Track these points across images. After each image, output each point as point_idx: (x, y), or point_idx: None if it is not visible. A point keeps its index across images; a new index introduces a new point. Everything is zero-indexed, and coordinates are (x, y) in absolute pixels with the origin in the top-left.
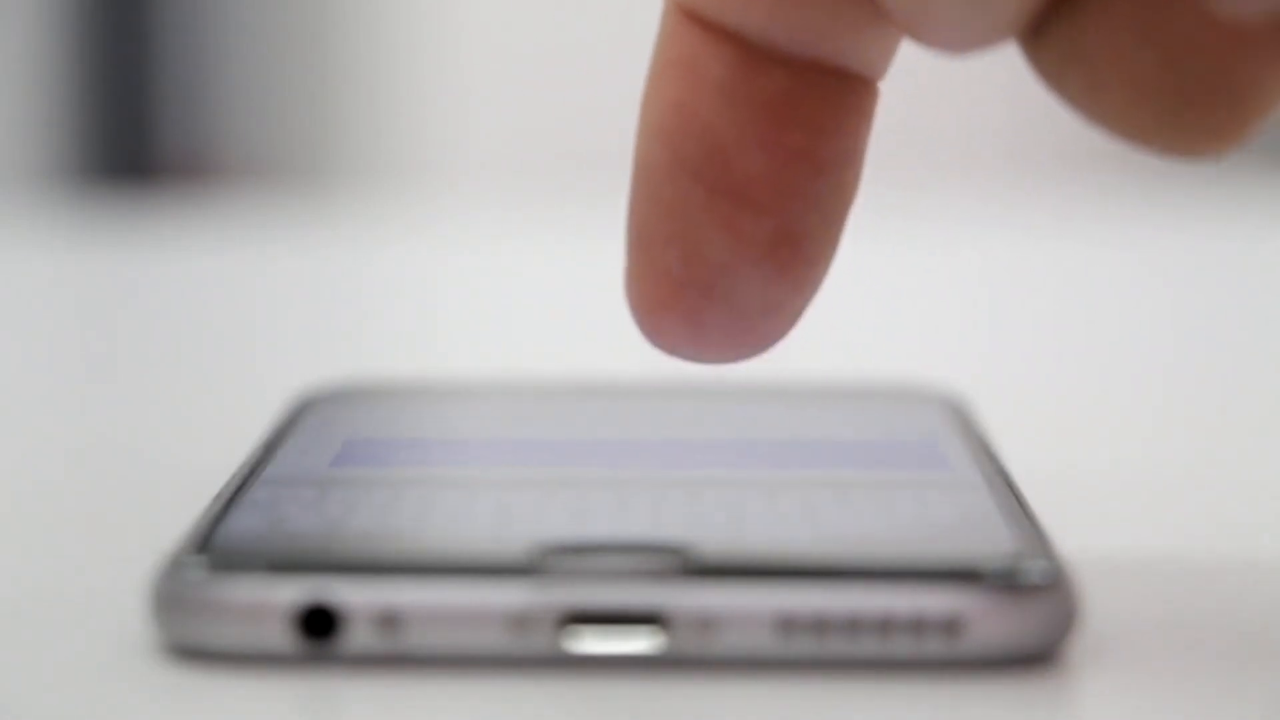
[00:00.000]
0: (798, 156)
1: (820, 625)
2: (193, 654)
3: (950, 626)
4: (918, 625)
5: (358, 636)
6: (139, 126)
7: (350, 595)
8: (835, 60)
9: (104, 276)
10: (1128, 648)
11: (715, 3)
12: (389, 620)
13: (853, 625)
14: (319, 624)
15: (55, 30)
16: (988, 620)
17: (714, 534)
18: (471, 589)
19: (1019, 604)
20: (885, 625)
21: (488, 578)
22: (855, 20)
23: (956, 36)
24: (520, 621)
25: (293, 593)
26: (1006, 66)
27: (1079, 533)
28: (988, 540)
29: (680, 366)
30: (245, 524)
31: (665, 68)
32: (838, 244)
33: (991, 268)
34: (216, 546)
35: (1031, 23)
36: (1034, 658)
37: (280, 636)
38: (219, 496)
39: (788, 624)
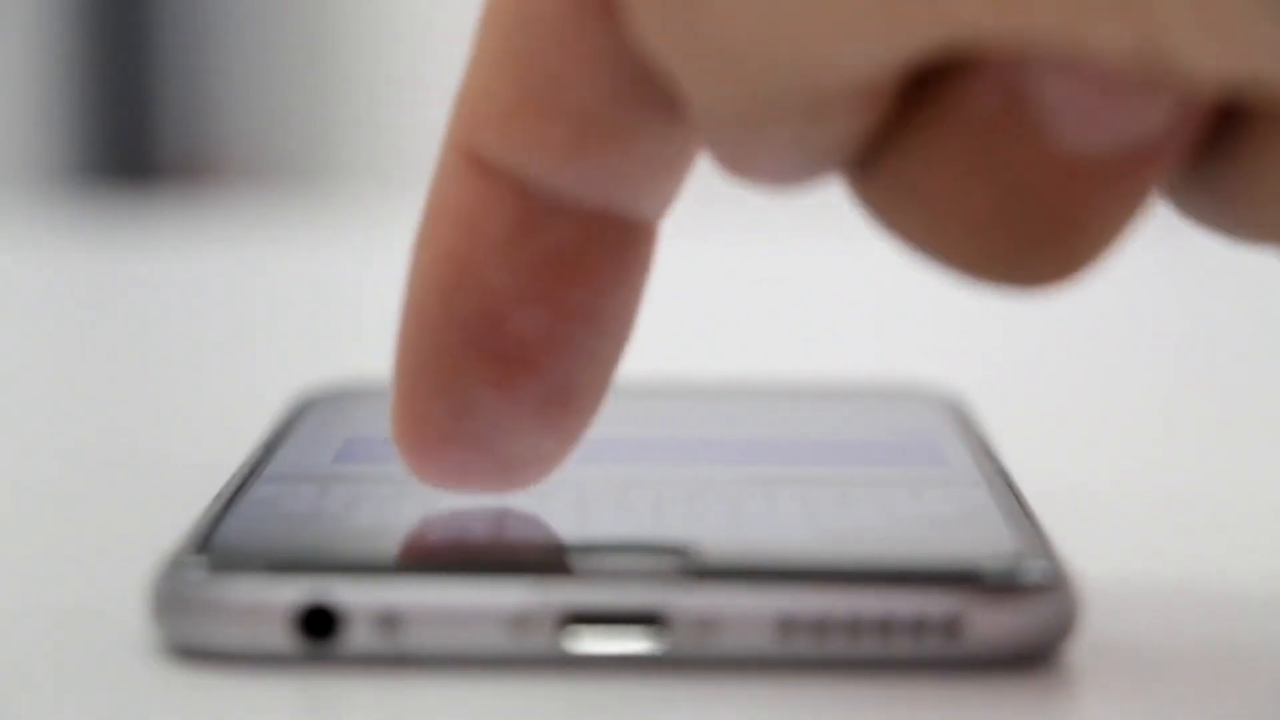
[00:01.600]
0: (577, 315)
1: (820, 625)
2: (193, 654)
3: (950, 626)
4: (918, 625)
5: (358, 636)
6: (139, 126)
7: (350, 595)
8: (621, 209)
9: (104, 276)
10: (1127, 648)
11: (503, 147)
12: (389, 620)
13: (853, 625)
14: (319, 624)
15: (55, 30)
16: (988, 620)
17: (714, 534)
18: (471, 589)
19: (1019, 604)
20: (885, 625)
21: (488, 578)
22: (648, 166)
23: (775, 172)
24: (520, 621)
25: (293, 593)
26: None
27: (1079, 533)
28: (988, 540)
29: (680, 367)
30: (245, 524)
31: (442, 216)
32: (606, 394)
33: None
34: (216, 546)
35: (860, 154)
36: (1034, 658)
37: (280, 636)
38: (219, 496)
39: (788, 624)
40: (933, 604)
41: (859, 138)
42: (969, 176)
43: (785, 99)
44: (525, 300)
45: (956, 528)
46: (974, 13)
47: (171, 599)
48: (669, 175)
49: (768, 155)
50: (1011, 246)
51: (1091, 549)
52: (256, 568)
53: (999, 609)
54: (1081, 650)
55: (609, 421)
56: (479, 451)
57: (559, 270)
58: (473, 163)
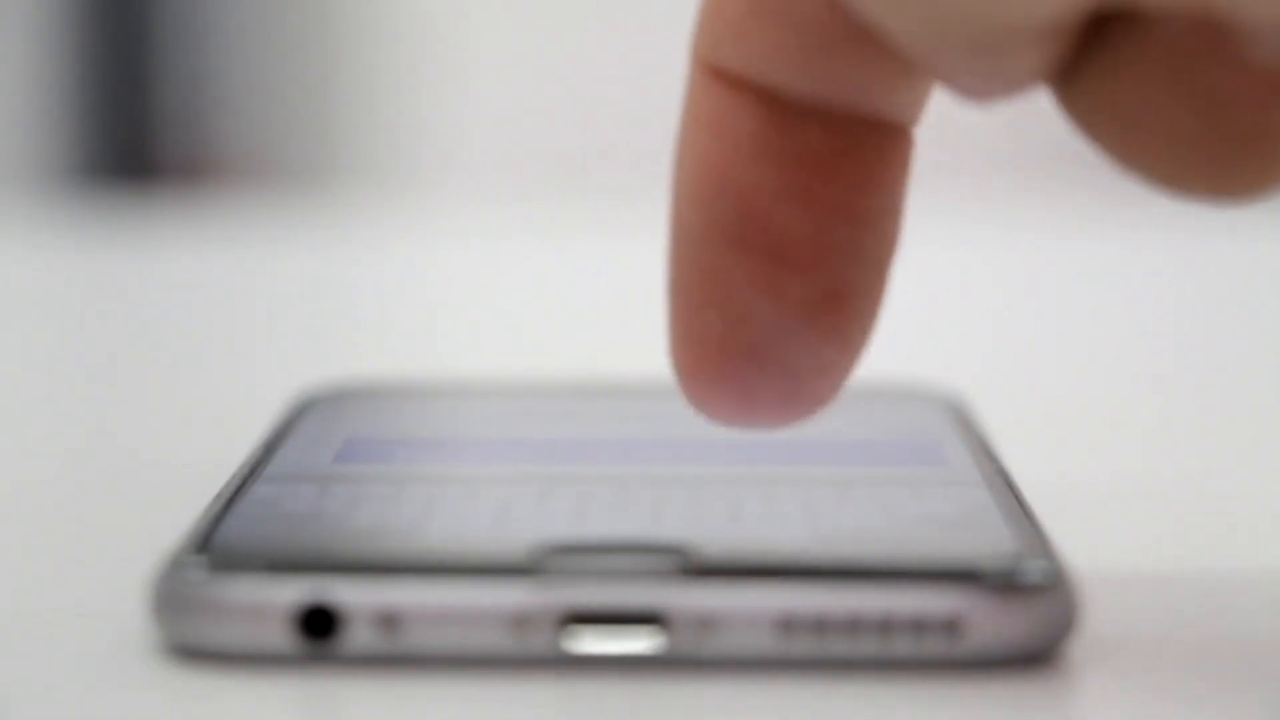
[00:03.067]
0: (838, 213)
1: (820, 625)
2: (193, 654)
3: (950, 626)
4: (918, 625)
5: (358, 636)
6: (139, 126)
7: (350, 595)
8: (869, 111)
9: (104, 276)
10: (1127, 648)
11: (742, 57)
12: (389, 620)
13: (853, 625)
14: (319, 624)
15: (55, 30)
16: (988, 620)
17: (714, 534)
18: (471, 589)
19: (1019, 604)
20: (885, 625)
21: (488, 578)
22: (886, 70)
23: (981, 86)
24: (520, 621)
25: (293, 593)
26: None
27: (1079, 533)
28: (988, 540)
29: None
30: (245, 524)
31: (694, 127)
32: (884, 298)
33: (992, 268)
34: (216, 546)
35: (1060, 70)
36: (1034, 658)
37: (280, 636)
38: (219, 496)
39: (788, 624)
40: (933, 604)
41: (1054, 63)
42: (1168, 92)
43: (969, 37)
44: (784, 200)
45: (956, 528)
46: None
47: (171, 599)
48: (909, 80)
49: (967, 78)
50: (1211, 159)
51: (1091, 549)
52: (256, 568)
53: (999, 609)
54: (1081, 650)
55: (608, 422)
56: (759, 365)
57: (814, 169)
58: (717, 74)
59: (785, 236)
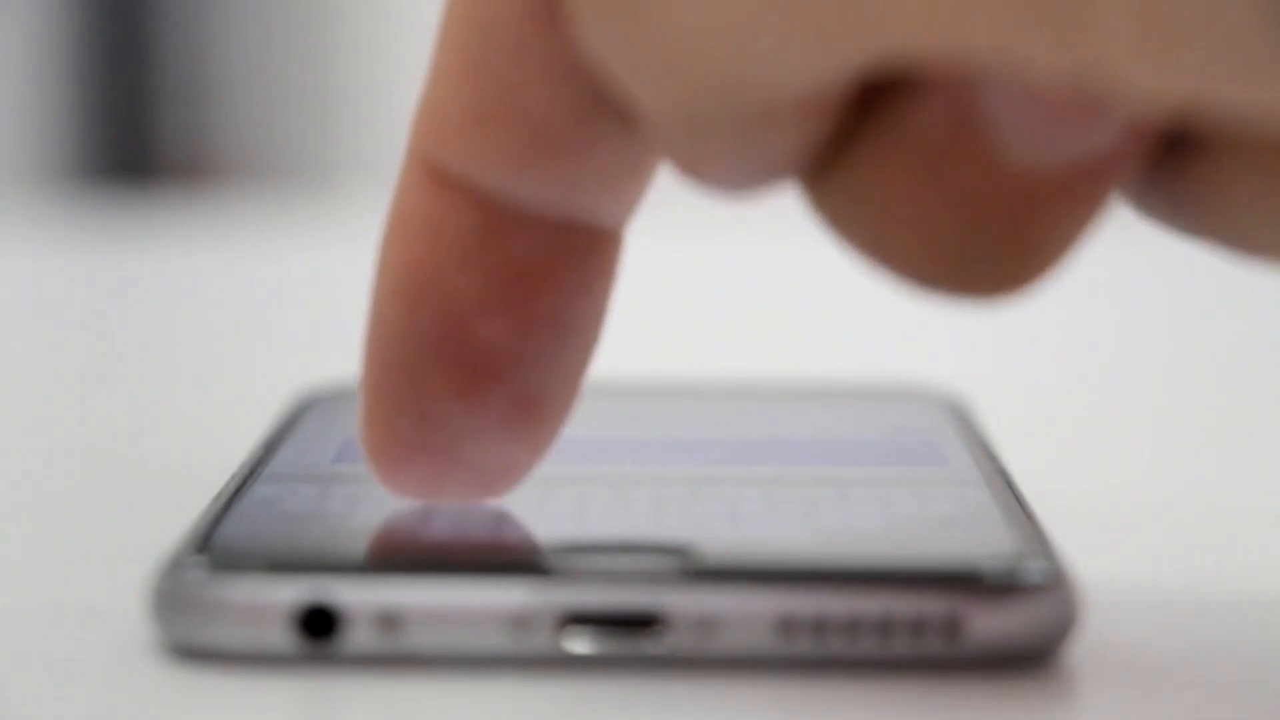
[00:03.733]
0: (541, 323)
1: (820, 626)
2: (193, 654)
3: (950, 626)
4: (918, 625)
5: (358, 636)
6: (139, 126)
7: (350, 595)
8: (583, 217)
9: (104, 276)
10: (1127, 648)
11: (461, 160)
12: (389, 620)
13: (853, 625)
14: (319, 624)
15: (55, 30)
16: (988, 620)
17: (714, 534)
18: (471, 589)
19: (1019, 604)
20: (885, 625)
21: (488, 578)
22: (613, 173)
23: (728, 179)
24: (520, 621)
25: (293, 593)
26: None
27: (1079, 533)
28: (988, 540)
29: (680, 366)
30: (245, 524)
31: (403, 225)
32: (576, 399)
33: None
34: (216, 546)
35: (813, 162)
36: (1034, 658)
37: (280, 636)
38: (219, 496)
39: (788, 624)
40: (932, 604)
41: (809, 148)
42: (920, 190)
43: (726, 110)
44: (488, 309)
45: (956, 528)
46: (907, 28)
47: (171, 599)
48: (630, 183)
49: (718, 163)
50: (965, 259)
51: (1091, 549)
52: (256, 568)
53: (999, 609)
54: (1081, 650)
55: (609, 422)
56: (448, 462)
57: (522, 279)
58: (432, 173)
59: (485, 345)
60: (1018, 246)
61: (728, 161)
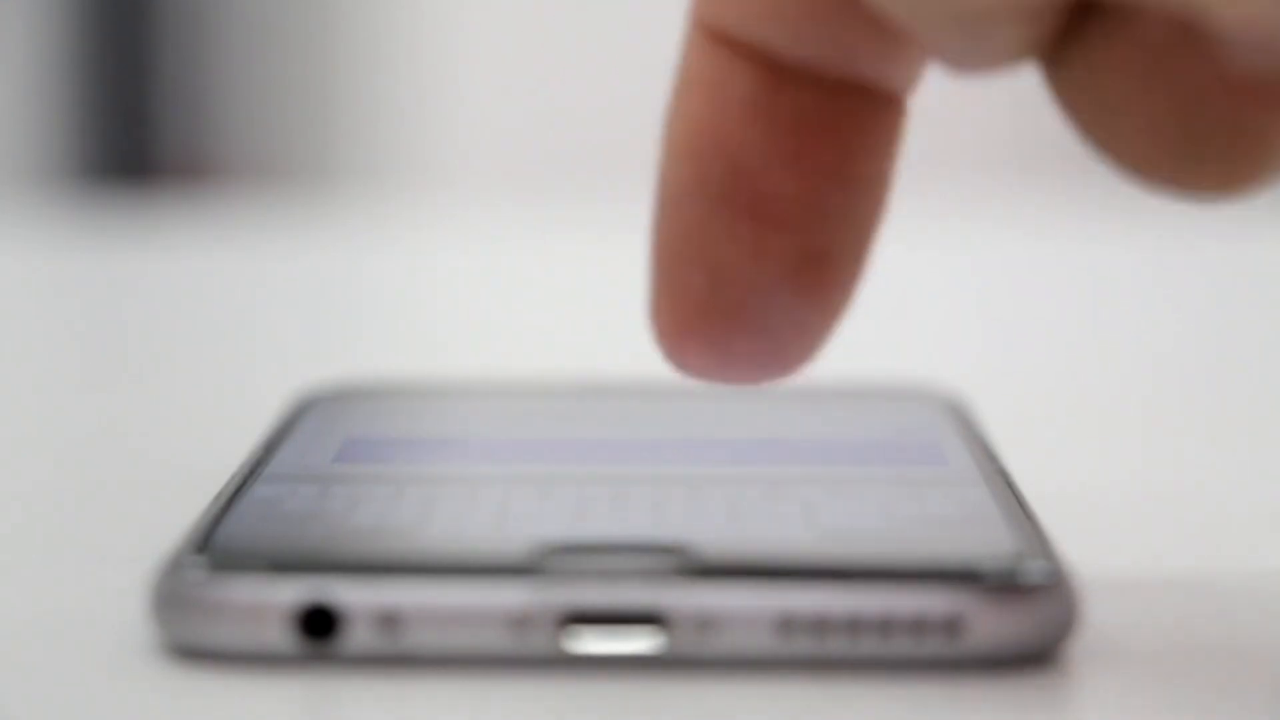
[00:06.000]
0: (826, 175)
1: (820, 625)
2: (193, 654)
3: (950, 626)
4: (918, 625)
5: (358, 636)
6: (139, 126)
7: (350, 595)
8: (863, 77)
9: (104, 276)
10: (1128, 648)
11: (740, 19)
12: (389, 620)
13: (853, 625)
14: (319, 624)
15: (55, 30)
16: (988, 620)
17: (714, 534)
18: (471, 589)
19: (1019, 604)
20: (885, 625)
21: (488, 578)
22: (880, 37)
23: (967, 59)
24: (520, 621)
25: (293, 593)
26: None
27: (1079, 533)
28: (988, 540)
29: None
30: (245, 524)
31: (688, 86)
32: (866, 265)
33: (992, 268)
34: (216, 546)
35: (1047, 49)
36: (1034, 658)
37: (280, 636)
38: (219, 496)
39: (788, 624)
40: (933, 604)
41: (1041, 38)
42: (1146, 82)
43: (951, 7)
44: (774, 161)
45: (956, 528)
46: None
47: (171, 599)
48: (904, 49)
49: (952, 50)
50: (1183, 152)
51: (1091, 549)
52: (256, 568)
53: (999, 609)
54: (1081, 650)
55: (608, 422)
56: (738, 323)
57: (806, 132)
58: (715, 35)
59: (772, 197)
60: (1238, 144)
61: (959, 49)
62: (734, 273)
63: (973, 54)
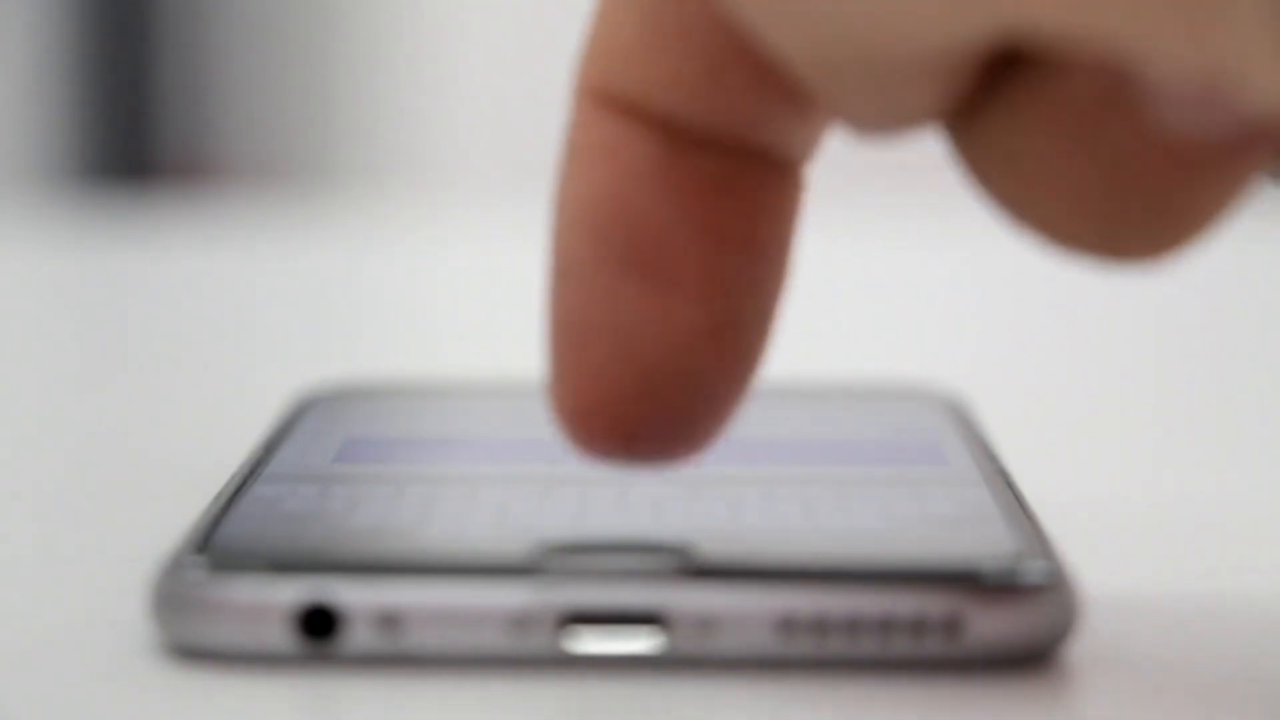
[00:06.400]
0: (734, 241)
1: (820, 625)
2: (193, 654)
3: (950, 626)
4: (918, 625)
5: (358, 636)
6: (139, 126)
7: (350, 595)
8: (762, 144)
9: (104, 276)
10: (1127, 648)
11: (638, 83)
12: (389, 620)
13: (853, 625)
14: (319, 624)
15: (55, 30)
16: (988, 620)
17: (714, 534)
18: (471, 589)
19: (1019, 604)
20: (885, 625)
21: (488, 578)
22: (782, 101)
23: (872, 120)
24: (520, 621)
25: (293, 593)
26: None
27: (1079, 533)
28: (988, 540)
29: None
30: (245, 524)
31: (582, 154)
32: (770, 339)
33: (992, 268)
34: (216, 546)
35: (956, 111)
36: (1034, 658)
37: (280, 636)
38: (219, 496)
39: (788, 624)
40: (933, 604)
41: (950, 100)
42: (1071, 145)
43: (858, 64)
44: (679, 228)
45: (956, 528)
46: (1037, 11)
47: (171, 599)
48: (805, 115)
49: (858, 111)
50: (1107, 219)
51: (1091, 549)
52: (256, 568)
53: (999, 609)
54: (1081, 650)
55: None
56: (646, 397)
57: (710, 198)
58: (610, 102)
59: (678, 264)
60: (1164, 212)
61: (866, 110)
62: (640, 342)
63: (881, 115)
